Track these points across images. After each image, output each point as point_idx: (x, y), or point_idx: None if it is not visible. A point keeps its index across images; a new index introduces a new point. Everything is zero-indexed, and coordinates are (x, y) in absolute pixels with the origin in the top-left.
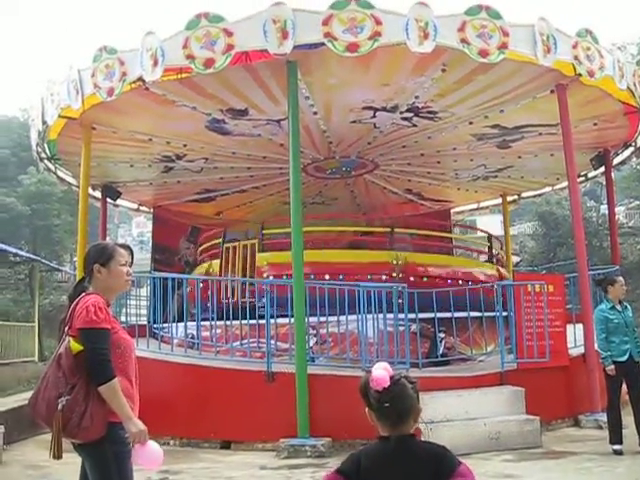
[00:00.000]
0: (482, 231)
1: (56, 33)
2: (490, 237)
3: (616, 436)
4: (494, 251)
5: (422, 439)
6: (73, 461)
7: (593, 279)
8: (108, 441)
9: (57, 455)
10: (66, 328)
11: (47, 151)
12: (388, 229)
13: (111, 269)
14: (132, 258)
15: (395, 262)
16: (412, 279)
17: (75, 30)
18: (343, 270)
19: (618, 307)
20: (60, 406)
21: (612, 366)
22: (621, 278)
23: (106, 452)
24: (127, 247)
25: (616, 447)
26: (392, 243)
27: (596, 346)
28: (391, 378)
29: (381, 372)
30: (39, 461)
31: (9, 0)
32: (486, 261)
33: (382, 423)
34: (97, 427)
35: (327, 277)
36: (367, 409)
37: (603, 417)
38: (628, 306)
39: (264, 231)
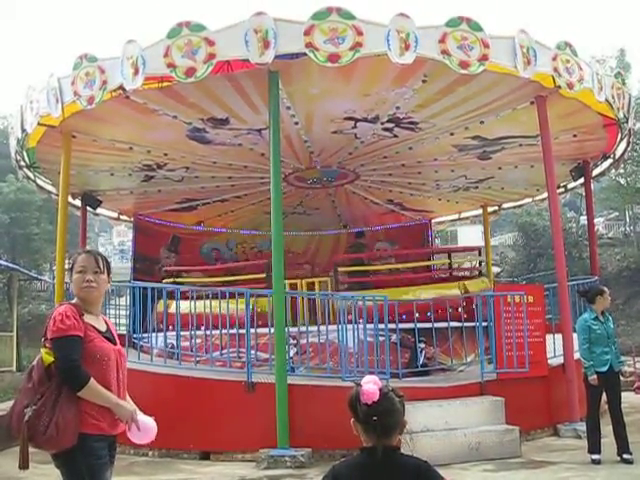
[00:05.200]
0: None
1: (37, 40)
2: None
3: (595, 445)
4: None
5: (402, 450)
6: (51, 472)
7: (577, 290)
8: (80, 453)
9: (23, 465)
10: (43, 340)
11: (26, 159)
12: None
13: (72, 278)
14: (103, 263)
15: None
16: None
17: (56, 37)
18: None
19: (601, 318)
20: (27, 416)
21: (594, 376)
22: (606, 289)
23: (78, 463)
24: (90, 252)
25: (594, 456)
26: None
27: (578, 355)
28: (380, 391)
29: (371, 386)
30: (17, 472)
31: None
32: None
33: (368, 435)
34: (65, 437)
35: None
36: (353, 421)
37: (582, 426)
38: (610, 317)
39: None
